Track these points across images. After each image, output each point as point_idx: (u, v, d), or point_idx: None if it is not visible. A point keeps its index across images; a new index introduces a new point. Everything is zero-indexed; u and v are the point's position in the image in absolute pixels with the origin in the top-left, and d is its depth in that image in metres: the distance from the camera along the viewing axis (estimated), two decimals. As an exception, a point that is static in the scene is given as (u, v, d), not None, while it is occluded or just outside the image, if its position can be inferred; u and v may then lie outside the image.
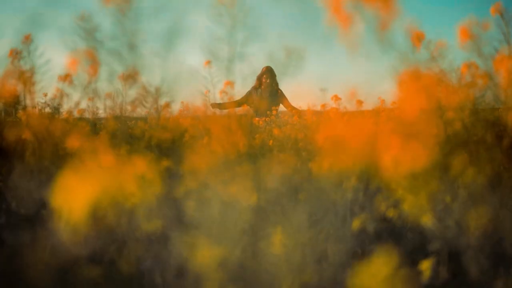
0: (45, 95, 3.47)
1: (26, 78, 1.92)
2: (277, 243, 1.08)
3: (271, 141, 3.23)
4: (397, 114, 1.04)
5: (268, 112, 4.72)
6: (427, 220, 0.93)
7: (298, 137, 2.87)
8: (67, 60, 1.67)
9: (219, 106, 5.23)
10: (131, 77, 1.65)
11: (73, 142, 1.22)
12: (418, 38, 1.85)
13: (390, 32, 0.83)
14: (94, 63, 1.67)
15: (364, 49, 0.95)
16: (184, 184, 1.13)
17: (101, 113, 2.60)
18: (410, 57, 1.21)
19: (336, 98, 3.48)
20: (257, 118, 5.31)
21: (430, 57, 1.54)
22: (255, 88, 5.52)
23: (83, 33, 1.48)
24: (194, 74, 2.39)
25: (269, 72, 5.49)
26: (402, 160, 0.85)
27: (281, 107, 5.60)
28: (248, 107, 5.49)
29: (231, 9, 1.45)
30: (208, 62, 2.50)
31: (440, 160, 0.91)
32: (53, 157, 1.28)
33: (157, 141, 1.81)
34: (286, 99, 5.47)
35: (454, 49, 1.64)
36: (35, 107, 3.40)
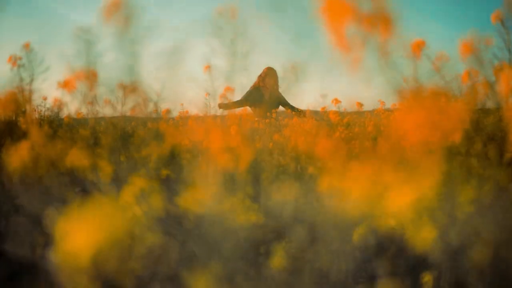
0: (45, 98, 3.45)
1: (25, 86, 1.92)
2: (277, 258, 1.08)
3: (271, 144, 3.22)
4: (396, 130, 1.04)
5: (268, 114, 4.71)
6: (428, 236, 0.93)
7: (298, 141, 2.86)
8: (67, 71, 1.67)
9: (225, 106, 5.25)
10: (130, 86, 1.65)
11: (72, 155, 1.22)
12: (419, 46, 1.85)
13: (392, 49, 0.82)
14: (93, 73, 1.66)
15: (364, 65, 0.95)
16: (184, 198, 1.12)
17: (101, 113, 2.59)
18: (410, 74, 1.21)
19: (336, 101, 3.48)
20: (256, 119, 5.30)
21: (431, 69, 1.53)
22: (256, 88, 5.47)
23: (83, 45, 1.48)
24: (194, 80, 2.39)
25: (271, 73, 5.45)
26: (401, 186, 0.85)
27: (280, 108, 5.58)
28: (249, 107, 5.47)
29: (232, 21, 1.45)
30: (208, 67, 2.50)
31: (442, 177, 0.90)
32: (52, 169, 1.27)
33: (156, 149, 1.81)
34: (286, 100, 5.45)
35: (455, 60, 1.64)
36: (35, 111, 3.37)
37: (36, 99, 2.50)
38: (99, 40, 1.52)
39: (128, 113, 2.30)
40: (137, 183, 1.04)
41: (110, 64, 1.47)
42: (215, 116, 4.27)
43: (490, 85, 1.77)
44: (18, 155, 1.23)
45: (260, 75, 5.47)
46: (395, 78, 1.03)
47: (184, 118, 4.55)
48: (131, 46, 1.29)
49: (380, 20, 0.71)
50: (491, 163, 1.28)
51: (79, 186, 1.42)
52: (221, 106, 5.06)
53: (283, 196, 1.57)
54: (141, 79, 1.55)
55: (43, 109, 3.48)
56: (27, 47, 1.97)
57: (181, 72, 1.79)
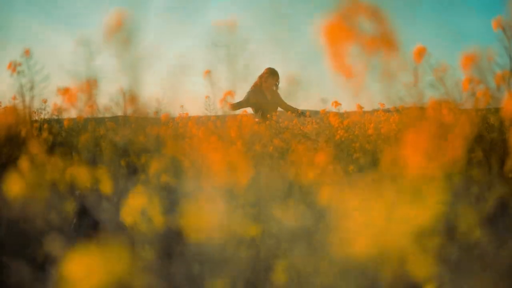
0: (45, 101, 3.44)
1: (25, 92, 1.91)
2: (280, 273, 1.08)
3: (271, 148, 3.23)
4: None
5: (268, 115, 4.69)
6: (429, 258, 0.92)
7: (298, 146, 2.86)
8: (67, 79, 1.67)
9: (233, 106, 5.27)
10: (130, 96, 1.65)
11: (72, 169, 1.22)
12: (420, 53, 1.84)
13: (394, 68, 0.82)
14: (93, 81, 1.66)
15: (366, 77, 0.94)
16: (183, 214, 1.12)
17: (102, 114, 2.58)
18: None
19: (337, 103, 3.47)
20: (257, 120, 5.29)
21: (433, 77, 1.53)
22: (257, 88, 5.40)
23: (84, 55, 1.48)
24: (194, 84, 2.40)
25: (272, 74, 5.41)
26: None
27: (279, 108, 5.55)
28: (250, 108, 5.45)
29: (232, 33, 1.44)
30: (208, 72, 2.50)
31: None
32: (52, 181, 1.27)
33: (156, 157, 1.80)
34: (285, 102, 5.42)
35: (456, 66, 1.64)
36: (35, 113, 3.36)
37: (36, 102, 2.49)
38: (100, 51, 1.52)
39: (129, 113, 2.30)
40: (137, 198, 1.04)
41: (111, 72, 1.47)
42: (215, 118, 4.26)
43: (491, 94, 1.76)
44: (18, 169, 1.23)
45: (262, 76, 5.41)
46: (397, 94, 1.03)
47: (185, 119, 4.55)
48: (133, 63, 1.29)
49: (383, 42, 0.71)
50: (492, 175, 1.28)
51: (79, 191, 1.42)
52: (230, 106, 5.11)
53: (283, 207, 1.56)
54: (142, 86, 1.55)
55: (43, 112, 3.47)
56: (27, 53, 1.97)
57: (182, 78, 1.78)
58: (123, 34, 1.18)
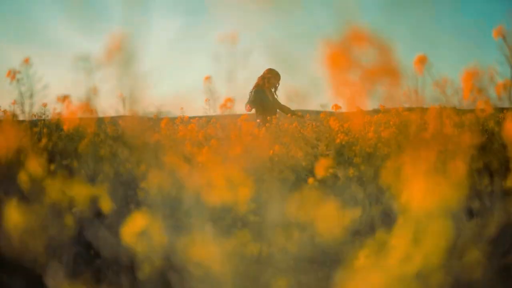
0: (45, 105, 3.43)
1: (25, 100, 1.91)
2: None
3: (271, 151, 3.22)
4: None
5: (268, 118, 4.66)
6: None
7: (298, 155, 2.86)
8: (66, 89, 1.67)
9: (249, 108, 5.31)
10: (131, 102, 1.64)
11: (71, 186, 1.21)
12: (421, 62, 1.83)
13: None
14: (93, 90, 1.66)
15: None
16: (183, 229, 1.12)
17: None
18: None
19: (337, 107, 3.47)
20: (258, 120, 5.27)
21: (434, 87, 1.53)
22: (260, 88, 5.33)
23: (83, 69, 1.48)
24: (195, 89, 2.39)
25: (274, 75, 5.37)
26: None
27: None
28: (254, 108, 5.41)
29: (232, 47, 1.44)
30: (208, 78, 2.49)
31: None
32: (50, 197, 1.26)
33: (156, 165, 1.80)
34: (283, 104, 5.37)
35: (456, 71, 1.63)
36: (34, 116, 3.34)
37: (36, 109, 2.48)
38: (98, 68, 1.52)
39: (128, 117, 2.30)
40: (136, 215, 1.04)
41: (110, 82, 1.46)
42: (215, 120, 4.26)
43: (492, 103, 1.76)
44: (16, 185, 1.23)
45: (264, 76, 5.34)
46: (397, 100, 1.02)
47: (185, 121, 4.54)
48: (133, 81, 1.29)
49: (386, 73, 0.70)
50: (495, 186, 1.28)
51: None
52: (247, 109, 5.26)
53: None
54: (142, 90, 1.54)
55: (43, 116, 3.46)
56: (26, 61, 1.96)
57: (182, 85, 1.78)
58: (124, 55, 1.18)
